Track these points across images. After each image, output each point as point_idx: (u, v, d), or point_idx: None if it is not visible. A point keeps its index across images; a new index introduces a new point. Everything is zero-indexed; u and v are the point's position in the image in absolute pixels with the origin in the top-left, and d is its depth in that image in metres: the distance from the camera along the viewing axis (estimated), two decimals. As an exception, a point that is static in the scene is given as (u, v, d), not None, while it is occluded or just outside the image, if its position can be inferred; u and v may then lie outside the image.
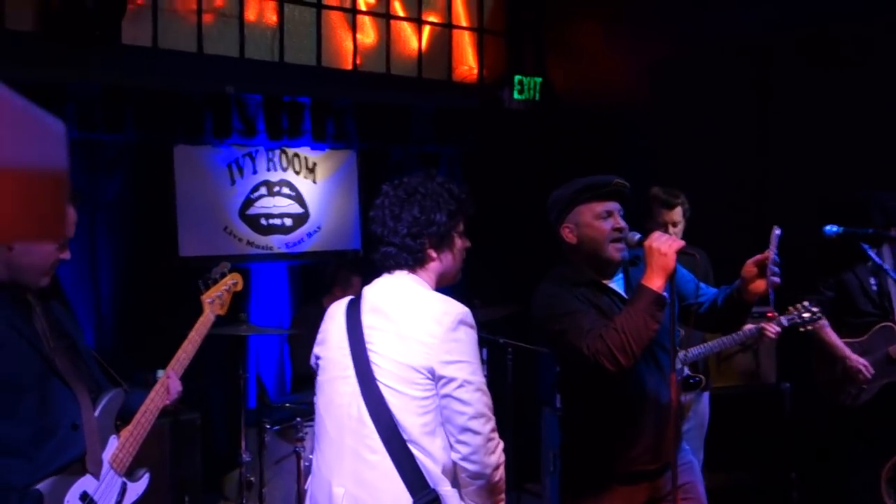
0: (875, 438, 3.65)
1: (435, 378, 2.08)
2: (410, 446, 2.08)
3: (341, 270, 5.00)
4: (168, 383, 2.56)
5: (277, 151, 5.47)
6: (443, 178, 2.29)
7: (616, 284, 2.71)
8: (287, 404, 4.59)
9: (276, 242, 5.47)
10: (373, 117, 5.70)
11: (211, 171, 5.22)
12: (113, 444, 2.39)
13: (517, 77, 6.19)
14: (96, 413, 2.35)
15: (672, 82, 5.67)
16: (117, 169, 4.92)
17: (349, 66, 5.73)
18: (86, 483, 2.29)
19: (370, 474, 2.09)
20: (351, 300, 2.29)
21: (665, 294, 2.42)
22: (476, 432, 2.07)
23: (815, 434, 5.10)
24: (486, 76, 6.25)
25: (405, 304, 2.16)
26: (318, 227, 5.64)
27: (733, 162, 5.29)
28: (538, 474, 5.06)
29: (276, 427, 4.25)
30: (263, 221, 5.43)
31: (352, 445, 2.13)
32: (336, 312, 2.30)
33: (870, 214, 3.73)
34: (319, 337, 2.33)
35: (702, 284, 2.76)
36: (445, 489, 2.10)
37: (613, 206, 2.63)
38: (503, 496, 2.20)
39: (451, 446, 2.10)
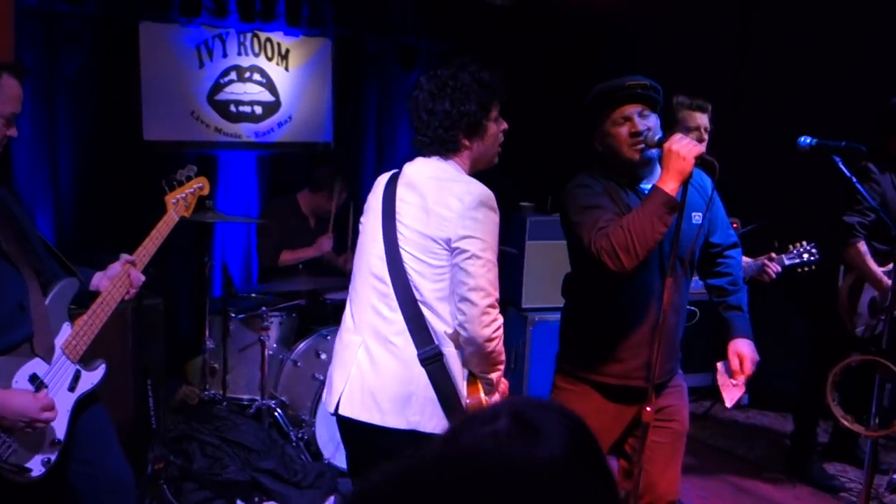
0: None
1: (450, 249, 2.26)
2: (422, 307, 2.29)
3: (336, 182, 4.89)
4: (130, 273, 2.51)
5: (249, 35, 5.27)
6: (475, 67, 2.36)
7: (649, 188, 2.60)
8: (253, 294, 4.60)
9: (245, 130, 5.34)
10: (350, 4, 5.48)
11: (178, 51, 5.03)
12: (66, 330, 2.35)
13: (501, -29, 5.96)
14: (47, 300, 2.31)
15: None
16: (79, 44, 4.72)
17: (326, -52, 5.47)
18: (35, 366, 2.26)
19: (386, 329, 2.32)
20: (394, 173, 2.46)
21: (677, 198, 2.38)
22: (473, 303, 2.24)
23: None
24: (468, -33, 6.01)
25: (435, 182, 2.32)
26: (290, 117, 5.50)
27: (716, 66, 5.20)
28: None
29: (242, 315, 4.26)
30: (233, 108, 5.28)
31: (373, 303, 2.35)
32: (380, 183, 2.48)
33: None
34: (365, 206, 2.51)
35: (732, 247, 2.77)
36: (449, 349, 2.31)
37: (631, 109, 2.52)
38: (501, 367, 2.39)
39: (456, 313, 2.28)
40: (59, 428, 2.31)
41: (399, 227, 2.32)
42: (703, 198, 2.62)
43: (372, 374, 2.31)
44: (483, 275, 2.23)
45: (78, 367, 2.38)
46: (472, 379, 2.38)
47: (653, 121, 2.53)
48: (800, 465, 4.18)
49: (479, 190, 2.28)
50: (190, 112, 5.11)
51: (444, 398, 2.28)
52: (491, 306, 2.26)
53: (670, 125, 3.39)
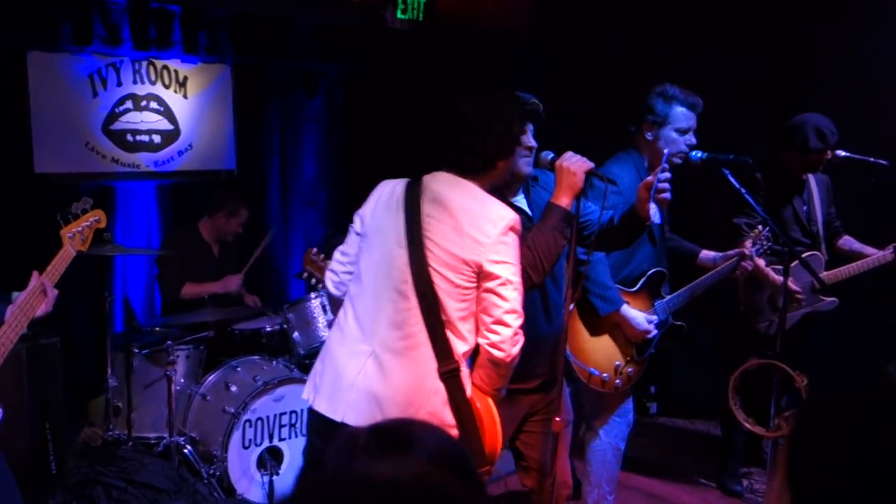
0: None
1: (481, 273, 2.32)
2: (446, 326, 2.33)
3: (232, 200, 4.83)
4: (45, 284, 2.40)
5: (145, 63, 5.14)
6: (511, 91, 2.50)
7: (520, 202, 2.77)
8: (157, 328, 4.45)
9: (143, 160, 5.19)
10: (249, 30, 5.42)
11: (70, 81, 4.86)
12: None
13: (401, -5, 6.03)
14: None
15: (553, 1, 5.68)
16: (-39, 75, 4.50)
17: (223, -26, 5.40)
18: None
19: (403, 342, 2.34)
20: (409, 182, 2.45)
21: (572, 211, 2.54)
22: (509, 325, 2.32)
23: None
24: (368, -7, 6.05)
25: (465, 203, 2.36)
26: (190, 146, 5.38)
27: (616, 81, 5.36)
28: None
29: (146, 351, 4.12)
30: (130, 137, 5.13)
31: (391, 316, 2.36)
32: (393, 189, 2.46)
33: (807, 138, 3.81)
34: (370, 205, 2.49)
35: (589, 205, 2.81)
36: (463, 368, 2.38)
37: (527, 125, 2.68)
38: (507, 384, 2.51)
39: (483, 333, 2.35)
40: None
41: (428, 244, 2.33)
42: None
43: (380, 383, 2.32)
44: (516, 298, 2.32)
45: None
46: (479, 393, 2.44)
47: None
48: (718, 466, 4.33)
49: (510, 214, 2.35)
50: (84, 143, 4.93)
51: (458, 413, 2.34)
52: (521, 325, 2.36)
53: (652, 120, 3.28)
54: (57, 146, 4.81)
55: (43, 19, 4.65)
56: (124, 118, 5.10)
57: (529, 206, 2.79)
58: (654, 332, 3.31)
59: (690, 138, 3.27)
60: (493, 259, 2.30)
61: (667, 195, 2.56)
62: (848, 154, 3.88)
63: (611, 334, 3.30)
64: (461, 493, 0.95)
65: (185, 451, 3.94)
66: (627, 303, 3.27)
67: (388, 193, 2.47)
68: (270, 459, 3.90)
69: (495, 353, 2.34)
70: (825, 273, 3.91)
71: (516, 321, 2.34)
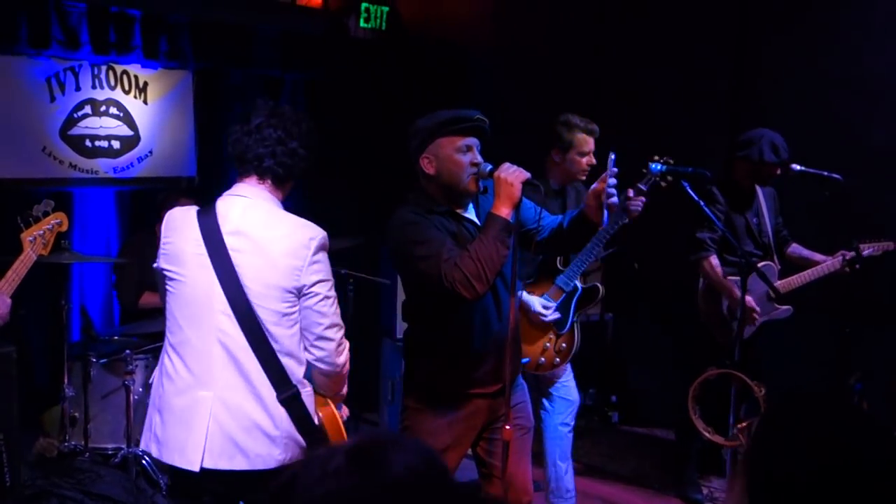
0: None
1: (301, 295, 2.36)
2: (279, 354, 2.35)
3: (176, 197, 4.77)
4: None
5: (104, 67, 5.07)
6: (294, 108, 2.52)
7: (469, 214, 2.81)
8: (115, 336, 4.38)
9: (102, 166, 5.11)
10: (211, 36, 5.37)
11: (27, 84, 4.77)
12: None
13: (364, 5, 6.03)
14: None
15: (513, 12, 5.74)
16: (-87, 77, 4.39)
17: (185, -21, 5.35)
18: None
19: (242, 380, 2.34)
20: (198, 213, 2.40)
21: (512, 220, 2.57)
22: (330, 339, 2.41)
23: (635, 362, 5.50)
24: (331, 2, 6.05)
25: (270, 231, 2.36)
26: (150, 152, 5.31)
27: (570, 95, 5.43)
28: (376, 404, 5.15)
29: (104, 360, 4.05)
30: (88, 143, 5.05)
31: (222, 356, 2.34)
32: (186, 225, 2.39)
33: (762, 151, 3.90)
34: (169, 248, 2.43)
35: (544, 212, 2.86)
36: (305, 389, 2.42)
37: (473, 141, 2.69)
38: (346, 384, 2.59)
39: (307, 349, 2.41)
40: None
41: (244, 280, 2.32)
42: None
43: (233, 423, 2.33)
44: (335, 312, 2.41)
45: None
46: (321, 398, 2.50)
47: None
48: (676, 475, 4.38)
49: (319, 234, 2.40)
50: (41, 148, 4.84)
51: (306, 432, 2.39)
52: (343, 336, 2.44)
53: (559, 146, 3.63)
54: (12, 151, 4.71)
55: (-1, 21, 4.57)
56: (83, 123, 5.02)
57: (479, 215, 2.82)
58: (550, 315, 3.57)
59: (591, 159, 3.62)
60: (312, 280, 2.36)
61: (614, 199, 2.61)
62: (803, 168, 3.98)
63: (528, 322, 3.59)
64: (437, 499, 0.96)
65: (144, 461, 3.87)
66: (530, 293, 3.59)
67: (181, 228, 2.41)
68: (231, 470, 3.85)
69: (322, 367, 2.43)
70: (779, 282, 4.01)
71: (337, 333, 2.42)
